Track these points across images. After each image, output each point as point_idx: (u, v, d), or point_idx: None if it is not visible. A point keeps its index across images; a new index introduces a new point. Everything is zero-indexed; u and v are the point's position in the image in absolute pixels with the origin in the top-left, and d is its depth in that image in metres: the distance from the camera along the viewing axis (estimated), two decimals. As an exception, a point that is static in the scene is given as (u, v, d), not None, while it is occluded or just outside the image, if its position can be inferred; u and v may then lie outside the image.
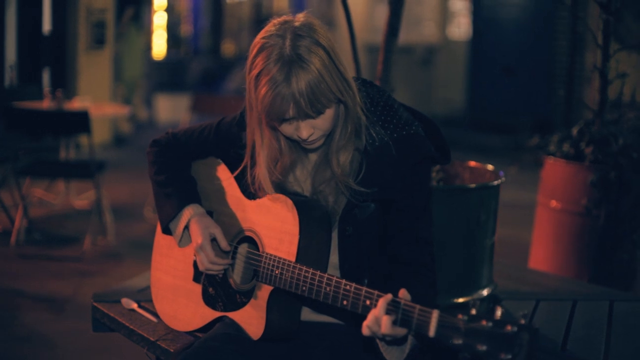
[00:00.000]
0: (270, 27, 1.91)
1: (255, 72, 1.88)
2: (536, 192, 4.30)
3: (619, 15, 4.19)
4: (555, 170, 4.10)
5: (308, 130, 1.89)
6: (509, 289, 2.99)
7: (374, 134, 1.96)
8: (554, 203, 4.08)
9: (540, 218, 4.23)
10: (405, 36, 11.90)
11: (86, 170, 5.65)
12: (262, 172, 2.01)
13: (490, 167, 3.05)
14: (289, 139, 1.98)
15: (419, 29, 12.90)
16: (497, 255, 3.00)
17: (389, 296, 1.68)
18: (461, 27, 12.46)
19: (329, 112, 1.89)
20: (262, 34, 1.91)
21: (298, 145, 2.01)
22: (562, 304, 2.83)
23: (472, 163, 3.14)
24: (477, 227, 2.77)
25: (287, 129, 1.91)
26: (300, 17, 1.91)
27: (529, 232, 4.48)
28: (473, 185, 2.81)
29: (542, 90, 10.40)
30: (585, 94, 6.89)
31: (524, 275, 3.26)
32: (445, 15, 12.67)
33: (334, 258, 2.00)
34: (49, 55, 9.37)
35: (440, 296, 2.01)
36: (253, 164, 2.04)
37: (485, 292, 2.81)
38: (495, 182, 2.83)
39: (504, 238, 3.78)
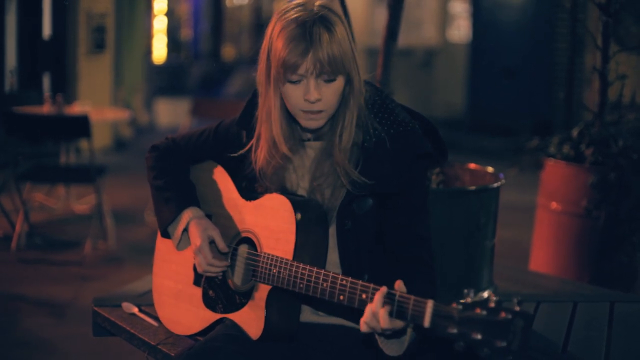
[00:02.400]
0: (291, 3, 1.97)
1: (277, 29, 1.93)
2: (536, 194, 4.30)
3: (618, 17, 4.20)
4: (555, 172, 4.10)
5: (317, 92, 1.90)
6: (510, 291, 2.99)
7: (372, 130, 1.98)
8: (554, 205, 4.08)
9: (540, 220, 4.23)
10: (405, 39, 11.90)
11: (87, 174, 5.66)
12: (263, 155, 2.03)
13: (490, 169, 3.06)
14: (290, 125, 1.99)
15: (418, 31, 12.91)
16: (498, 257, 3.00)
17: (384, 289, 1.69)
18: (461, 29, 12.47)
19: (338, 84, 1.92)
20: (284, 7, 1.97)
21: (297, 140, 2.01)
22: (563, 305, 2.83)
23: (472, 165, 3.15)
24: (477, 229, 2.77)
25: (295, 92, 1.92)
26: (318, 1, 1.96)
27: (529, 234, 4.48)
28: (473, 188, 2.82)
29: (542, 92, 10.41)
30: (585, 96, 6.90)
31: (525, 277, 3.26)
32: (444, 17, 12.69)
33: (334, 256, 2.01)
34: (49, 60, 9.37)
35: (440, 298, 2.01)
36: (257, 146, 2.05)
37: (485, 294, 2.81)
38: (495, 184, 2.83)
39: (504, 240, 3.78)
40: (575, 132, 4.16)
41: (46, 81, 9.39)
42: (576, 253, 4.02)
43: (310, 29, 1.88)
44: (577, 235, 4.00)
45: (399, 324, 1.67)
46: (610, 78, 4.14)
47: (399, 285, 1.69)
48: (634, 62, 4.70)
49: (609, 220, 3.91)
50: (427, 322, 1.57)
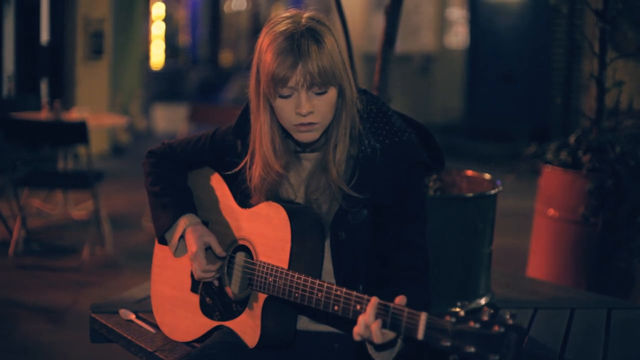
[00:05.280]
0: (279, 16, 1.96)
1: (265, 43, 1.92)
2: (534, 200, 4.30)
3: (615, 24, 4.21)
4: (552, 179, 4.10)
5: (309, 105, 1.89)
6: (507, 298, 3.00)
7: (366, 141, 1.97)
8: (551, 211, 4.08)
9: (537, 226, 4.23)
10: (402, 45, 11.92)
11: (84, 180, 5.66)
12: (258, 172, 2.02)
13: (487, 175, 3.06)
14: (284, 140, 1.99)
15: (416, 37, 12.92)
16: (495, 264, 3.00)
17: (375, 300, 1.67)
18: (459, 35, 12.49)
19: (330, 95, 1.91)
20: (273, 19, 1.96)
21: (292, 153, 2.01)
22: (560, 312, 2.83)
23: (470, 172, 3.15)
24: (474, 236, 2.77)
25: (286, 107, 1.91)
26: (307, 13, 1.96)
27: (526, 241, 4.48)
28: (470, 194, 2.82)
29: (540, 99, 10.42)
30: (583, 102, 6.90)
31: (522, 284, 3.26)
32: (442, 23, 12.70)
33: (329, 266, 2.00)
34: (47, 66, 9.37)
35: (437, 305, 2.01)
36: (252, 163, 2.04)
37: (483, 301, 2.81)
38: (493, 191, 2.83)
39: (501, 247, 3.79)
40: (572, 139, 4.17)
41: (44, 87, 9.39)
42: (573, 260, 4.02)
43: (298, 41, 1.87)
44: (575, 242, 4.01)
45: (390, 335, 1.67)
46: (607, 84, 4.15)
47: (400, 299, 1.68)
48: (631, 68, 4.70)
49: (606, 226, 3.91)
50: (420, 335, 1.57)
